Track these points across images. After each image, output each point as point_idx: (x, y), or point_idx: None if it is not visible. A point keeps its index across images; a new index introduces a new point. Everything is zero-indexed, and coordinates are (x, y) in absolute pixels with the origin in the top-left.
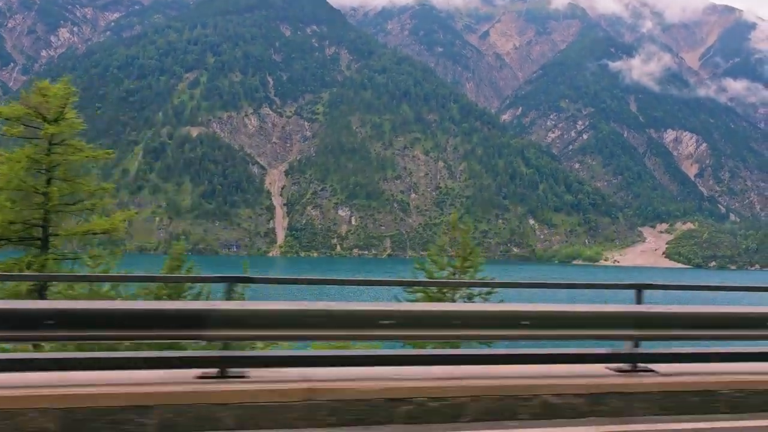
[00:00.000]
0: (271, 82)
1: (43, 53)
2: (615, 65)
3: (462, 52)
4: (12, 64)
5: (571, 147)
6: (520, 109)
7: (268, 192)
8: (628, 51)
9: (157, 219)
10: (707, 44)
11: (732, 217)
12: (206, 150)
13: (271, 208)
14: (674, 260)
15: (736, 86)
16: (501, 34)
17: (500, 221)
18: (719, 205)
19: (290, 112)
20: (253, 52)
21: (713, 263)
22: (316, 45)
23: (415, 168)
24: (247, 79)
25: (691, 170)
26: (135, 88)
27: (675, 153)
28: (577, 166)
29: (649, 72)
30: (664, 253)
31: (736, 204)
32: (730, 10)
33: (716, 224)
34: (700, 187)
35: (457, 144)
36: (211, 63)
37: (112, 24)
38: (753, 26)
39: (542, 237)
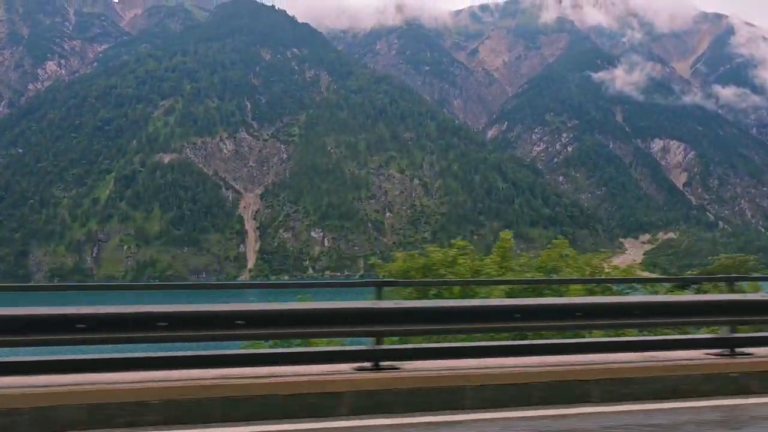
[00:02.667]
0: (249, 106)
1: (30, 86)
2: (601, 76)
3: (449, 70)
4: None
5: (555, 160)
6: (506, 124)
7: (240, 216)
8: (615, 62)
9: (126, 247)
10: (698, 53)
11: (721, 225)
12: (177, 176)
13: (241, 233)
14: (651, 270)
15: (727, 93)
16: (490, 50)
17: (475, 237)
18: (708, 214)
19: (267, 135)
20: (232, 77)
21: (690, 272)
22: (296, 68)
23: (390, 187)
24: (224, 104)
25: (680, 179)
26: (110, 117)
27: (663, 162)
28: (561, 179)
29: (636, 82)
30: (640, 264)
31: (726, 212)
32: (720, 17)
33: (698, 233)
34: (688, 196)
35: (434, 161)
36: (187, 90)
37: (100, 55)
38: (734, 31)
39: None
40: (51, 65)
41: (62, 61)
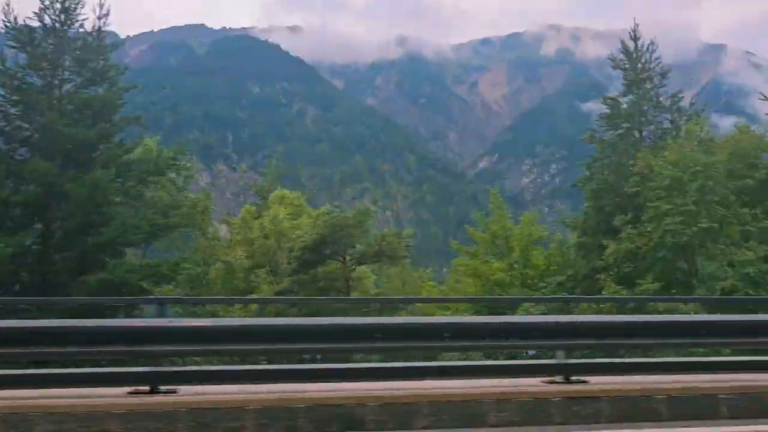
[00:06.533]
0: (231, 138)
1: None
2: (589, 107)
3: (447, 103)
4: None
5: (543, 191)
6: (497, 155)
7: None
8: (605, 92)
9: None
10: (701, 84)
11: None
12: None
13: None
14: None
15: (726, 123)
16: (491, 83)
17: (444, 270)
18: None
19: (245, 167)
20: (216, 110)
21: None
22: (284, 101)
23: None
24: (203, 137)
25: None
26: None
27: None
28: (546, 210)
29: None
30: None
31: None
32: (722, 47)
33: None
34: None
35: (408, 193)
36: (168, 123)
37: None
38: (729, 61)
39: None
40: None
41: None
